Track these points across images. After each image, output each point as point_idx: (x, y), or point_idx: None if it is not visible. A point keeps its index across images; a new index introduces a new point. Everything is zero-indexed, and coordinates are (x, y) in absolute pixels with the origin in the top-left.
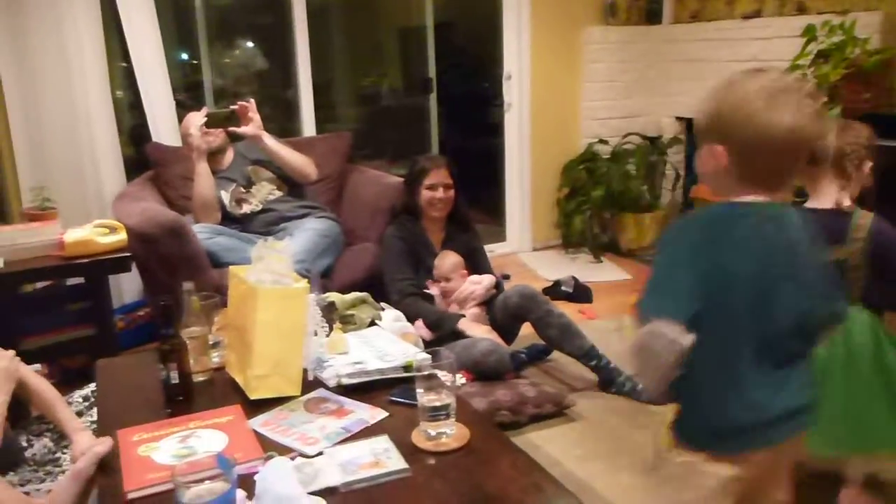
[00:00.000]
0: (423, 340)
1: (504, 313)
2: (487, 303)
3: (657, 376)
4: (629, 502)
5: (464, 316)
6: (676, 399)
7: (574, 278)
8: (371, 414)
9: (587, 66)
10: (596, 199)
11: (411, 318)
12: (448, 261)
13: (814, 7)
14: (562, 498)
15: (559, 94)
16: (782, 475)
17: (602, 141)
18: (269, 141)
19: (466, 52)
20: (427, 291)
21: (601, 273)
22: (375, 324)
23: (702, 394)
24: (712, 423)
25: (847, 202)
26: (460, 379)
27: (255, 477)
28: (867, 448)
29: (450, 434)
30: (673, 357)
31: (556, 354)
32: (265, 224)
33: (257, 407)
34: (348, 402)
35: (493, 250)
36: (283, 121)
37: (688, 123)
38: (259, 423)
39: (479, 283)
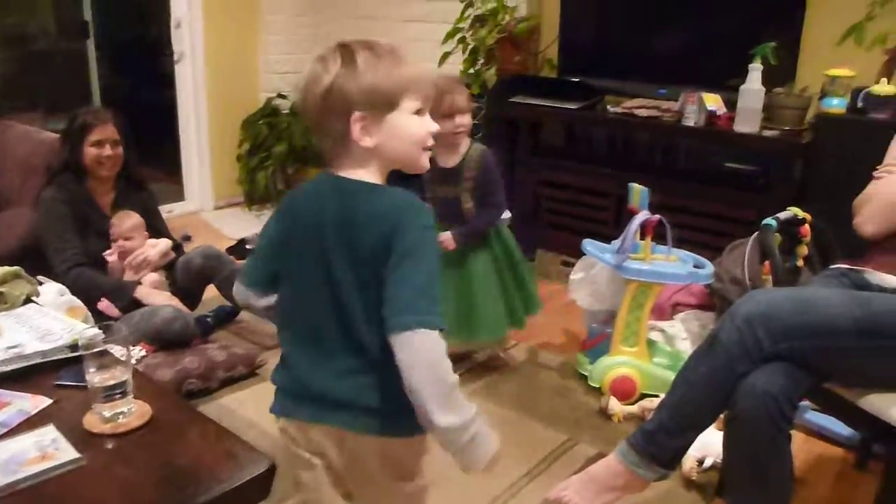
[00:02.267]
0: (113, 318)
1: (187, 276)
2: (168, 267)
3: None
4: None
5: (140, 283)
6: None
7: (258, 235)
8: (33, 403)
9: (264, 18)
10: (279, 155)
11: (81, 292)
12: (129, 221)
13: None
14: (255, 461)
15: (235, 45)
16: None
17: (282, 95)
18: None
19: None
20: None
21: None
22: (32, 300)
23: None
24: None
25: None
26: (139, 351)
27: None
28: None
29: (129, 413)
30: None
31: (244, 314)
32: None
33: None
34: (2, 393)
35: (171, 210)
36: None
37: None
38: None
39: (154, 248)
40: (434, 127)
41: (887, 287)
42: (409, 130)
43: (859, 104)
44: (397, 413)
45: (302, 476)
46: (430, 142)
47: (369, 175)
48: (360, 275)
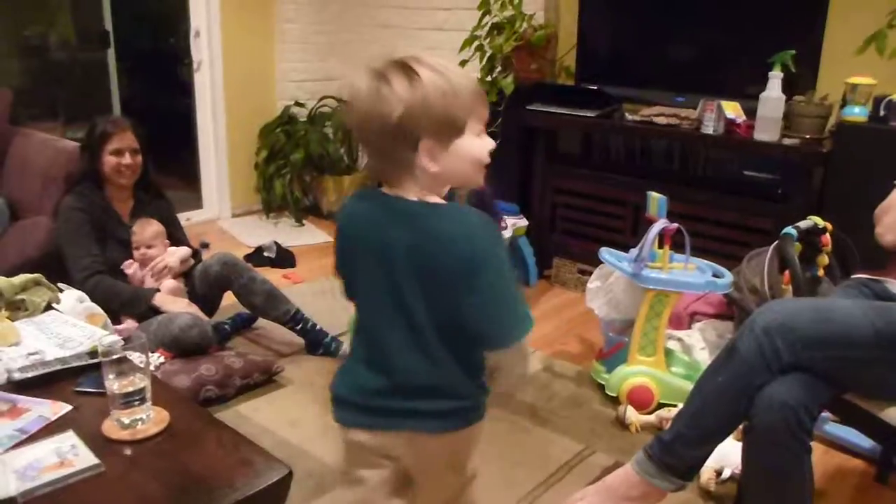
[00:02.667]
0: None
1: (205, 283)
2: (186, 274)
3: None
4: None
5: (159, 291)
6: None
7: (276, 243)
8: (53, 409)
9: (281, 27)
10: (296, 163)
11: (100, 299)
12: (150, 229)
13: None
14: (272, 468)
15: (253, 54)
16: None
17: (299, 104)
18: None
19: (148, 4)
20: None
21: (304, 236)
22: (52, 307)
23: None
24: None
25: None
26: (158, 358)
27: None
28: None
29: (147, 420)
30: None
31: (261, 322)
32: None
33: None
34: (22, 400)
35: (189, 218)
36: None
37: None
38: None
39: (174, 255)
40: (492, 145)
41: None
42: (473, 153)
43: (881, 112)
44: (463, 409)
45: (364, 475)
46: (488, 160)
47: (432, 196)
48: (433, 294)
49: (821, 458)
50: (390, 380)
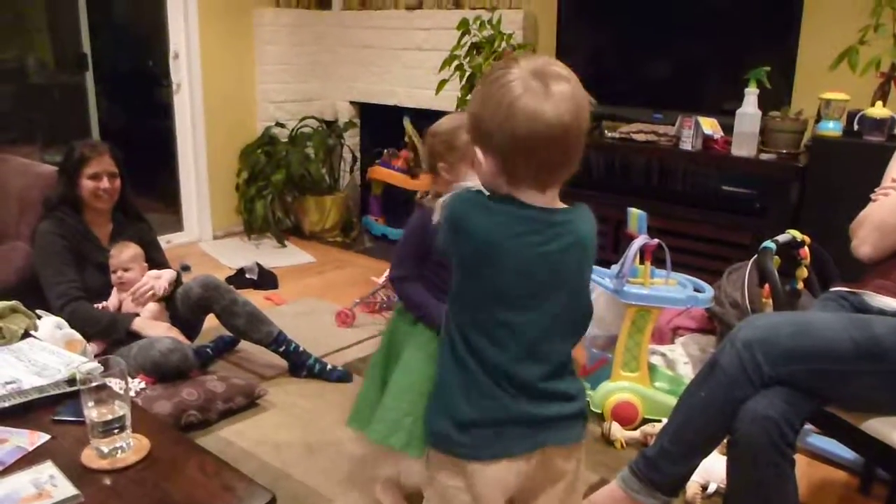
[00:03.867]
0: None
1: (186, 306)
2: (167, 298)
3: None
4: (328, 485)
5: (137, 315)
6: None
7: (258, 265)
8: (30, 439)
9: (260, 48)
10: (277, 184)
11: (78, 325)
12: (127, 251)
13: (468, 2)
14: (254, 494)
15: (232, 75)
16: None
17: (279, 124)
18: None
19: (126, 27)
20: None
21: (286, 257)
22: (30, 334)
23: None
24: None
25: None
26: (139, 384)
27: None
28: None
29: (127, 448)
30: None
31: (244, 344)
32: None
33: None
34: (0, 430)
35: (170, 241)
36: None
37: (362, 107)
38: None
39: (160, 279)
40: None
41: (887, 310)
42: None
43: (855, 127)
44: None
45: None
46: None
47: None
48: (576, 293)
49: (805, 471)
50: (542, 388)
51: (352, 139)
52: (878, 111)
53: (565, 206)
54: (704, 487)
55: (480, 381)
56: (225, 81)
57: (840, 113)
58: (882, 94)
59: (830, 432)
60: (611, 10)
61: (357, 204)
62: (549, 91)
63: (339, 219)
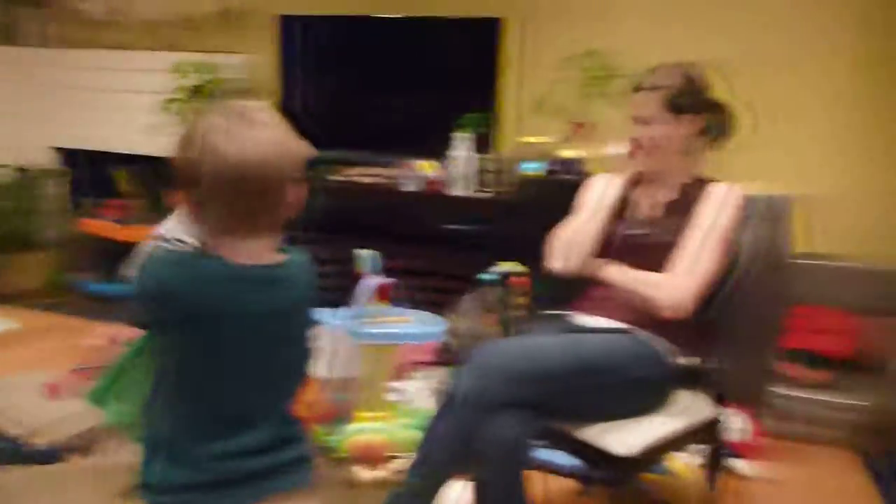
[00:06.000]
0: None
1: None
2: None
3: None
4: None
5: None
6: None
7: None
8: None
9: None
10: None
11: None
12: None
13: (183, 46)
14: None
15: None
16: None
17: None
18: None
19: None
20: None
21: None
22: None
23: None
24: None
25: None
26: None
27: None
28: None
29: None
30: None
31: None
32: None
33: None
34: None
35: None
36: None
37: (69, 154)
38: None
39: None
40: None
41: (596, 327)
42: None
43: (555, 167)
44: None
45: None
46: None
47: None
48: (294, 345)
49: (536, 483)
50: None
51: (58, 189)
52: (569, 153)
53: (278, 256)
54: None
55: (186, 448)
56: None
57: (541, 154)
58: (573, 137)
59: (555, 444)
60: (332, 60)
61: (68, 260)
62: (245, 135)
63: (46, 278)
